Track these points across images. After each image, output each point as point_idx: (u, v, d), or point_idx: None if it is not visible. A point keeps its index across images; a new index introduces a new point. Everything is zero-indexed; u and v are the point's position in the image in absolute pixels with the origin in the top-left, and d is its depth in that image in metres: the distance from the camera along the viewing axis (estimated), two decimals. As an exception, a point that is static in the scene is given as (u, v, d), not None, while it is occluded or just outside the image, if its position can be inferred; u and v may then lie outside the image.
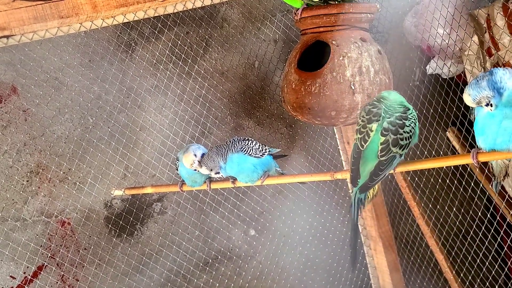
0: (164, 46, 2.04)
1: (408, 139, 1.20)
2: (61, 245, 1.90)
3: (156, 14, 1.90)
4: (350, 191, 1.97)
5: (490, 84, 1.09)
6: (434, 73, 2.44)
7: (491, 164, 1.27)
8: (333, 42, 1.71)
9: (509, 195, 1.94)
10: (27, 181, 1.86)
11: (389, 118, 1.19)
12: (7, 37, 1.67)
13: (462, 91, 2.32)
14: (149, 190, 1.75)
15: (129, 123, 1.99)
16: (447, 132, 2.55)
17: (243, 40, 2.18)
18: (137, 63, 2.00)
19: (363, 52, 1.70)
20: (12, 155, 1.83)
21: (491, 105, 1.10)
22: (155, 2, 1.80)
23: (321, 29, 1.74)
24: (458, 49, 2.33)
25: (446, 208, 2.25)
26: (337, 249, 2.35)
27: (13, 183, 1.83)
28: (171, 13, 1.98)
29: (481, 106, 1.13)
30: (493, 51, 2.17)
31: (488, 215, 2.22)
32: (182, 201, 2.07)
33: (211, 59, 2.13)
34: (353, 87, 1.67)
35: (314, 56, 1.82)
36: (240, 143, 1.50)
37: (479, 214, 2.18)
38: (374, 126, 1.20)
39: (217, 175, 1.52)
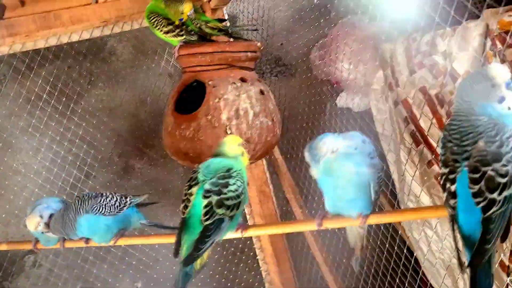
0: (44, 82, 1.88)
1: (236, 199, 1.08)
2: None
3: (36, 47, 1.75)
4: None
5: (310, 153, 1.00)
6: (344, 106, 2.37)
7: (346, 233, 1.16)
8: (210, 82, 1.59)
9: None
10: None
11: (211, 179, 1.07)
12: None
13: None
14: (4, 247, 1.56)
15: (1, 167, 1.81)
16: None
17: (134, 74, 2.04)
18: (11, 100, 1.84)
19: (241, 94, 1.58)
20: None
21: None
22: (18, 37, 1.65)
23: (198, 68, 1.62)
24: (364, 83, 2.27)
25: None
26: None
27: None
28: (52, 46, 1.83)
29: None
30: (394, 86, 2.11)
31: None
32: (58, 253, 1.88)
33: (98, 95, 1.99)
34: (229, 132, 1.55)
35: (197, 97, 1.70)
36: (90, 201, 1.34)
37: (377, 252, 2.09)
38: (194, 189, 1.08)
39: (70, 238, 1.35)
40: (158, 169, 2.07)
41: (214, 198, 1.05)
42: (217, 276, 2.18)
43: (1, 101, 1.82)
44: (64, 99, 1.89)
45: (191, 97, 1.70)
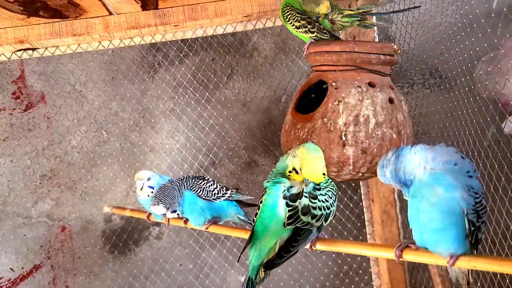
0: (187, 70, 2.01)
1: (325, 210, 0.99)
2: (58, 249, 1.98)
3: (184, 37, 1.89)
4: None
5: (394, 176, 0.81)
6: (512, 133, 1.97)
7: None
8: (333, 83, 1.48)
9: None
10: (40, 183, 1.98)
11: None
12: (32, 49, 1.82)
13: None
14: (127, 213, 1.71)
15: (140, 142, 2.00)
16: (523, 208, 2.03)
17: (272, 71, 2.04)
18: (158, 84, 2.01)
19: (365, 99, 1.43)
20: (31, 157, 1.97)
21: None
22: (168, 26, 1.79)
23: (324, 68, 1.52)
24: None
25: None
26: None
27: (27, 183, 1.97)
28: (199, 37, 1.95)
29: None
30: None
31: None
32: (179, 230, 2.00)
33: (234, 88, 2.04)
34: (344, 138, 1.42)
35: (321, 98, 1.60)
36: (192, 180, 1.37)
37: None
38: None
39: (173, 214, 1.39)
40: (279, 168, 2.03)
41: (302, 204, 0.97)
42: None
43: (150, 84, 2.00)
44: (201, 88, 1.99)
45: (319, 99, 1.62)
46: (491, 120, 2.02)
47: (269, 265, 1.00)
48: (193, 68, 2.01)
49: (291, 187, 0.99)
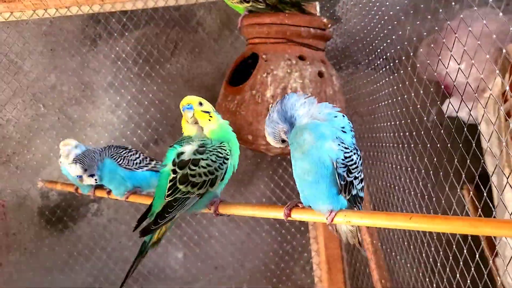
0: (129, 44, 1.97)
1: (206, 176, 0.97)
2: (-9, 226, 1.92)
3: (124, 9, 1.85)
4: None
5: (281, 114, 0.82)
6: (454, 115, 1.99)
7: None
8: (264, 55, 1.46)
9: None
10: (-28, 157, 1.91)
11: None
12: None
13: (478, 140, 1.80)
14: (58, 186, 1.67)
15: (79, 118, 1.95)
16: (463, 190, 2.07)
17: (216, 48, 2.01)
18: (98, 58, 1.96)
19: (293, 72, 1.42)
20: (-36, 130, 1.90)
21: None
22: (104, -4, 1.74)
23: (257, 40, 1.51)
24: (474, 88, 1.87)
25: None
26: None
27: (-41, 157, 1.90)
28: (140, 11, 1.91)
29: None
30: (508, 96, 1.70)
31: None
32: (118, 207, 1.97)
33: (177, 64, 2.01)
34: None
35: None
36: (114, 149, 1.35)
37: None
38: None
39: (91, 180, 1.34)
40: (221, 146, 2.02)
41: (179, 174, 0.96)
42: (269, 274, 2.05)
43: (90, 57, 1.95)
44: (142, 62, 1.95)
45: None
46: (433, 101, 2.04)
47: (145, 231, 1.00)
48: (134, 41, 1.96)
49: (182, 153, 0.98)
